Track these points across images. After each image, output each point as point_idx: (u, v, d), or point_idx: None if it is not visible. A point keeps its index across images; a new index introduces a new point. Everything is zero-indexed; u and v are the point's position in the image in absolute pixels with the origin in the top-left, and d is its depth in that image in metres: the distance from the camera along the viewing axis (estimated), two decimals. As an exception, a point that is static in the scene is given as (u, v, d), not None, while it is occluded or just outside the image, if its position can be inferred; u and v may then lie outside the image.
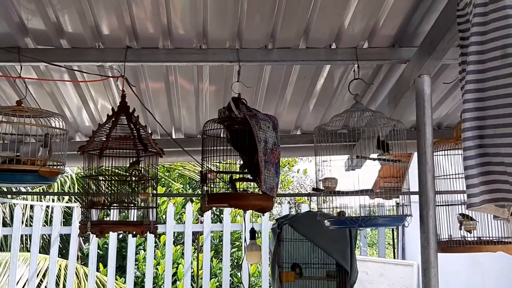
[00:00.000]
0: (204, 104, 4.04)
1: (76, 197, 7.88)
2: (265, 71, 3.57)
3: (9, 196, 7.43)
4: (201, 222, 7.01)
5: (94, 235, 2.88)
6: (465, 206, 2.67)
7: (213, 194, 2.95)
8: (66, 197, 8.06)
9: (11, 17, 2.88)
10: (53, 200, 7.82)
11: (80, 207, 3.01)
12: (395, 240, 7.87)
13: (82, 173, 6.38)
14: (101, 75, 3.21)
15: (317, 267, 4.30)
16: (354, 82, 3.21)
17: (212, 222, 7.09)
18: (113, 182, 3.09)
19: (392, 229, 8.07)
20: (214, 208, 7.12)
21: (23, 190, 7.40)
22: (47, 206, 7.68)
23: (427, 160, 2.94)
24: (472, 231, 2.97)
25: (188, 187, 9.49)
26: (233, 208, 7.51)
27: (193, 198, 8.30)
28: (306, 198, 10.18)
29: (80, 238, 6.73)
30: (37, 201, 7.45)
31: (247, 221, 6.81)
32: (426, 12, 2.93)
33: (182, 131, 4.54)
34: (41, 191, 7.78)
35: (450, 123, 4.39)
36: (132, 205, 3.03)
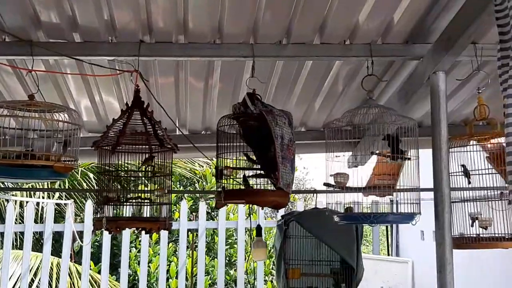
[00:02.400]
0: (211, 100, 4.01)
1: (66, 193, 7.79)
2: (277, 67, 3.54)
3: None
4: (195, 219, 6.98)
5: (107, 232, 2.84)
6: (507, 201, 2.67)
7: (229, 191, 2.91)
8: (57, 194, 7.94)
9: (25, 10, 2.82)
10: (43, 197, 7.70)
11: (95, 203, 2.97)
12: (389, 237, 7.90)
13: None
14: (115, 69, 3.16)
15: (322, 264, 4.30)
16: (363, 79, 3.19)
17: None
18: (127, 178, 3.05)
19: (386, 226, 8.11)
20: (206, 206, 7.08)
21: (11, 185, 7.29)
22: (37, 203, 7.56)
23: (442, 157, 2.95)
24: (487, 227, 2.98)
25: (179, 185, 9.41)
26: (227, 205, 7.50)
27: (186, 195, 8.25)
28: (295, 195, 10.16)
29: (76, 235, 6.64)
30: (27, 197, 7.33)
31: (241, 218, 6.79)
32: (442, 9, 2.93)
33: (186, 127, 4.49)
34: (31, 187, 7.66)
35: (455, 121, 4.39)
36: (148, 201, 2.99)
